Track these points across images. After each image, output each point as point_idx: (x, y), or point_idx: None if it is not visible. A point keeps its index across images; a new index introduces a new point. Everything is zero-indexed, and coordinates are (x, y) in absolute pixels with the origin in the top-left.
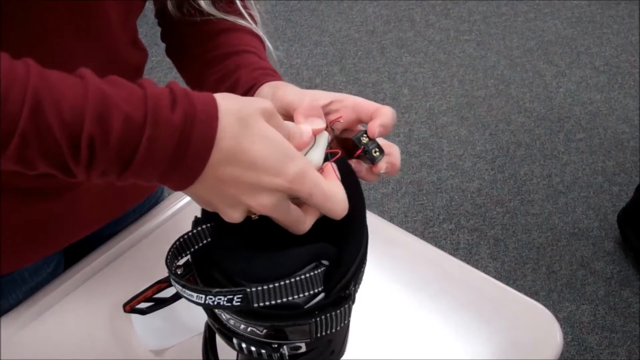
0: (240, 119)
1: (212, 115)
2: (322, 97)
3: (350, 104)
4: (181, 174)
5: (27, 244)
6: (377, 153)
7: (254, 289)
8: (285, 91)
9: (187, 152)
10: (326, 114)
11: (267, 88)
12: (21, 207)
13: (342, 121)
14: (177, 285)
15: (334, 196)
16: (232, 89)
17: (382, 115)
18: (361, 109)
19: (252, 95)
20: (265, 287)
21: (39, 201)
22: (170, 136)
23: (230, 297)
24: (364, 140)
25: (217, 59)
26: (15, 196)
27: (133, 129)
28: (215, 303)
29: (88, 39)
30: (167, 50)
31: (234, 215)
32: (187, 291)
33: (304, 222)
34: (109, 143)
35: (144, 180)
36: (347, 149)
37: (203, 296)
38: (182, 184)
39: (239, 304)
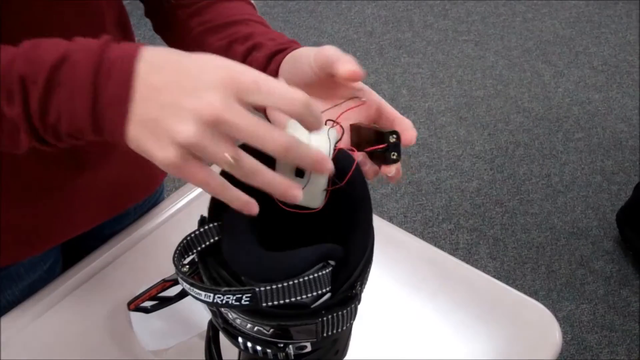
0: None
1: (134, 45)
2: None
3: (376, 101)
4: (112, 90)
5: (26, 238)
6: (395, 156)
7: (262, 289)
8: (326, 51)
9: (111, 67)
10: (351, 98)
11: (307, 49)
12: (20, 201)
13: (364, 101)
14: (185, 284)
15: (284, 86)
16: (252, 50)
17: (409, 126)
18: (384, 111)
19: (284, 56)
20: (273, 286)
21: (38, 196)
22: (90, 54)
23: (239, 296)
24: (392, 139)
25: (220, 27)
26: (15, 191)
27: (60, 62)
28: (224, 302)
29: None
30: (155, 27)
31: (183, 128)
32: (195, 290)
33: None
34: (37, 75)
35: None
36: (360, 138)
37: (212, 295)
38: (119, 103)
39: (247, 303)
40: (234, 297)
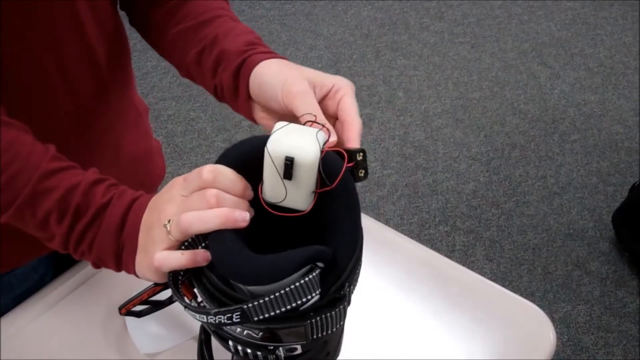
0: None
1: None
2: (322, 84)
3: (339, 100)
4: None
5: (18, 246)
6: (363, 174)
7: (250, 305)
8: (289, 96)
9: (132, 221)
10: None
11: (271, 80)
12: None
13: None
14: (180, 302)
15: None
16: (218, 65)
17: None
18: (343, 114)
19: (248, 71)
20: (261, 301)
21: None
22: (119, 215)
23: (229, 315)
24: (359, 157)
25: (191, 30)
26: None
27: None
28: (217, 322)
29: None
30: (131, 22)
31: (172, 209)
32: (189, 311)
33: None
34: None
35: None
36: None
37: (205, 316)
38: (134, 240)
39: (238, 320)
40: (225, 317)
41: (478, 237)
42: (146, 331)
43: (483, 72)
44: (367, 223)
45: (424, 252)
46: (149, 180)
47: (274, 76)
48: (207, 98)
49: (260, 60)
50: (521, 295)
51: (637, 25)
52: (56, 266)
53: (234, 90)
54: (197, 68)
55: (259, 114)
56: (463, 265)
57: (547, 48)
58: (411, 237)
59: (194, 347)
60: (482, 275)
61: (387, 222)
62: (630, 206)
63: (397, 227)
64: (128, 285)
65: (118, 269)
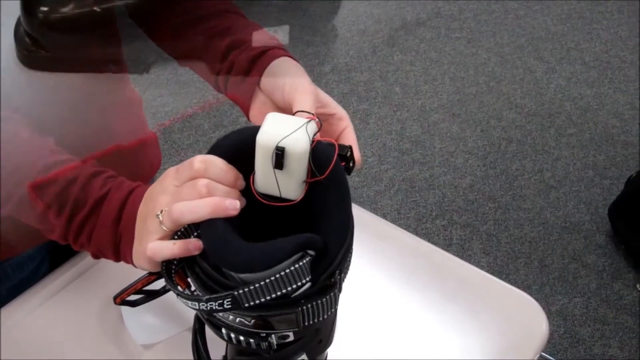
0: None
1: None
2: (328, 104)
3: (342, 127)
4: (127, 221)
5: (25, 230)
6: (352, 165)
7: (241, 291)
8: (294, 93)
9: (129, 212)
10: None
11: (285, 71)
12: None
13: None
14: (173, 290)
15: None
16: (233, 48)
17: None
18: (345, 138)
19: (267, 61)
20: (251, 287)
21: None
22: (119, 200)
23: (221, 301)
24: (348, 154)
25: (197, 19)
26: None
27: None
28: (209, 308)
29: None
30: (129, 13)
31: (165, 199)
32: (182, 299)
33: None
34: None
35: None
36: None
37: (196, 303)
38: (132, 230)
39: (229, 306)
40: (216, 303)
41: (475, 231)
42: (142, 323)
43: (479, 67)
44: (364, 216)
45: (421, 245)
46: (143, 170)
47: (290, 74)
48: (204, 94)
49: (284, 56)
50: (518, 288)
51: (632, 19)
52: (52, 256)
53: (244, 72)
54: (203, 51)
55: (255, 109)
56: (460, 259)
57: (543, 43)
58: (408, 231)
59: (189, 337)
60: (479, 269)
61: (384, 217)
62: (626, 199)
63: (394, 221)
64: (125, 277)
65: (117, 259)
